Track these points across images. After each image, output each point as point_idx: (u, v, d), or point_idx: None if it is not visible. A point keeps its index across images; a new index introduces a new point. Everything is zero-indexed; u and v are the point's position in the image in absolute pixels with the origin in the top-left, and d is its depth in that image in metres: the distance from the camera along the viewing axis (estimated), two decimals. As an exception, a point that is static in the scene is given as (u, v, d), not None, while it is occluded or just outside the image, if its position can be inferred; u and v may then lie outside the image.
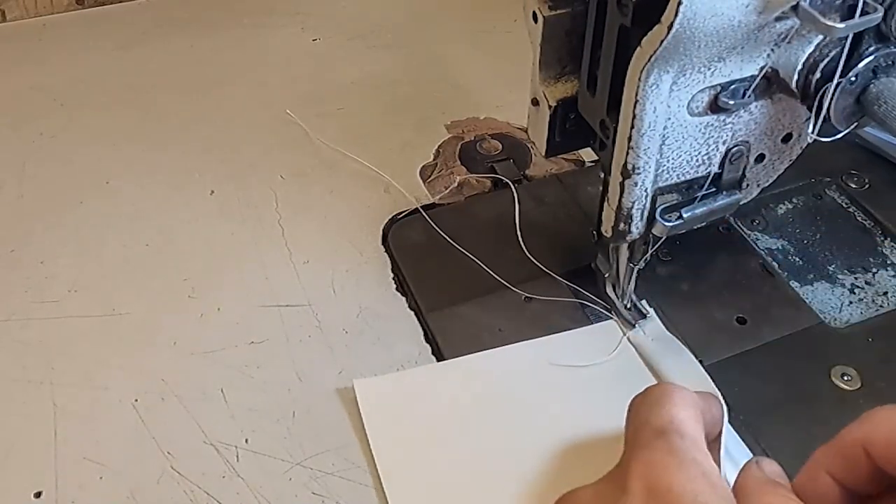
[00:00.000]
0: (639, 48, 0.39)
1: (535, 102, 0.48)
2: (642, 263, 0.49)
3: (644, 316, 0.51)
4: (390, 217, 0.60)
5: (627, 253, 0.49)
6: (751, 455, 0.44)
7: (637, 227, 0.45)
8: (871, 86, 0.40)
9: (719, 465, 0.41)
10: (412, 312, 0.54)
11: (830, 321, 0.53)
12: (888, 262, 0.57)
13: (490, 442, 0.47)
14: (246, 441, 0.47)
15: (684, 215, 0.45)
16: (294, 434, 0.47)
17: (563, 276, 0.55)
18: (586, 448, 0.46)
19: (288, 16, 0.82)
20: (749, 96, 0.42)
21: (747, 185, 0.47)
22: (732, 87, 0.41)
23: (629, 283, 0.50)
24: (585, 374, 0.50)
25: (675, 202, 0.45)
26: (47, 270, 0.57)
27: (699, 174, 0.45)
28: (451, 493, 0.45)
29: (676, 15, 0.36)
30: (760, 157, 0.46)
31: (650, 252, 0.48)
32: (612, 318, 0.53)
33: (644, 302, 0.52)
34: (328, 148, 0.66)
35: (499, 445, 0.47)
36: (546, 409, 0.48)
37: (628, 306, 0.51)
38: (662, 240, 0.47)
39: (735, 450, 0.44)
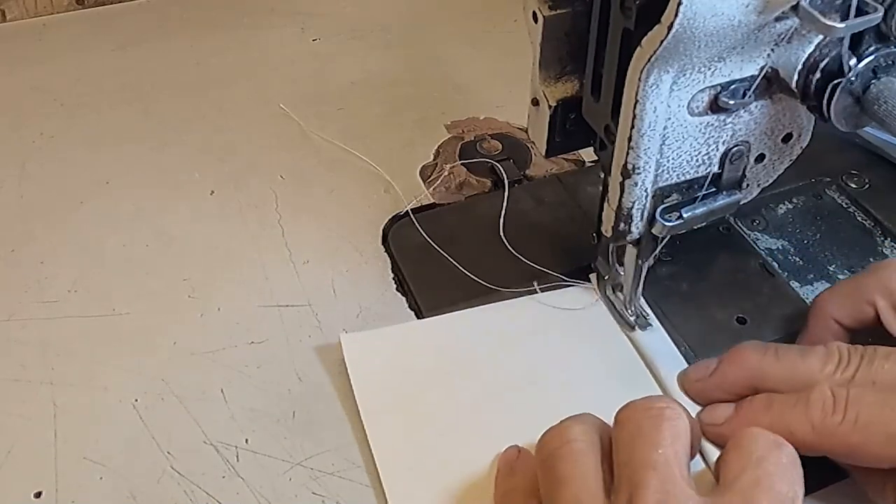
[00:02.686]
0: (639, 48, 0.39)
1: (535, 102, 0.48)
2: (652, 260, 0.48)
3: (648, 323, 0.51)
4: (390, 217, 0.60)
5: (635, 252, 0.48)
6: None
7: (637, 227, 0.45)
8: (871, 86, 0.40)
9: None
10: (412, 312, 0.54)
11: (830, 321, 0.53)
12: (888, 262, 0.57)
13: (475, 396, 0.48)
14: (246, 441, 0.47)
15: (684, 215, 0.45)
16: (294, 434, 0.47)
17: (563, 275, 0.55)
18: (568, 402, 0.47)
19: (288, 16, 0.82)
20: (749, 96, 0.42)
21: (747, 185, 0.47)
22: (732, 86, 0.41)
23: (638, 286, 0.50)
24: (566, 331, 0.51)
25: (675, 202, 0.45)
26: (47, 270, 0.57)
27: (699, 174, 0.45)
28: (436, 446, 0.46)
29: (676, 15, 0.36)
30: (760, 157, 0.46)
31: (659, 248, 0.48)
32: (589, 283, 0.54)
33: (644, 304, 0.52)
34: (328, 148, 0.66)
35: (483, 400, 0.48)
36: (529, 365, 0.50)
37: (633, 313, 0.51)
38: (666, 239, 0.46)
39: None
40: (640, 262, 0.48)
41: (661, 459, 0.38)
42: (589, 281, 0.54)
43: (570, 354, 0.50)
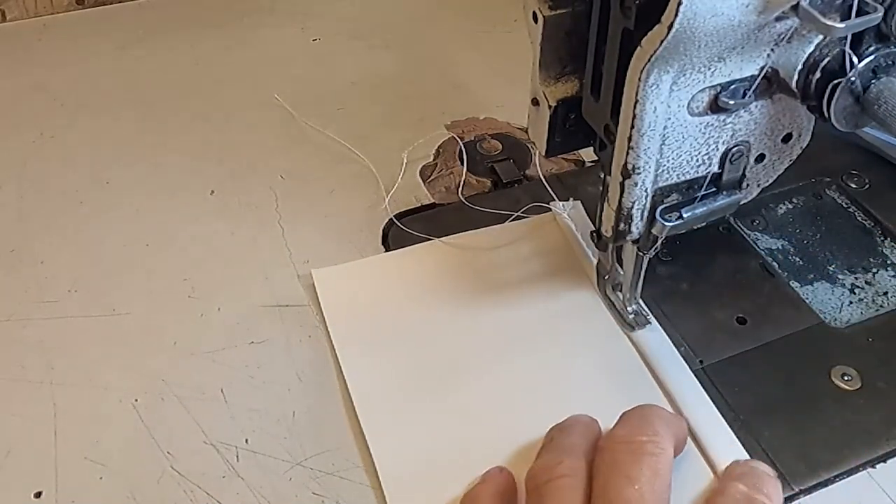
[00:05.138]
0: (639, 48, 0.39)
1: (535, 102, 0.48)
2: (652, 252, 0.48)
3: (647, 321, 0.51)
4: (390, 217, 0.60)
5: (633, 249, 0.48)
6: None
7: (637, 227, 0.45)
8: (871, 86, 0.40)
9: None
10: (412, 312, 0.54)
11: (830, 321, 0.53)
12: (888, 262, 0.57)
13: (446, 323, 0.51)
14: (246, 441, 0.47)
15: (684, 215, 0.45)
16: (294, 434, 0.47)
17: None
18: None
19: (288, 16, 0.82)
20: (749, 96, 0.42)
21: (747, 185, 0.47)
22: (732, 86, 0.41)
23: (637, 284, 0.50)
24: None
25: (675, 202, 0.45)
26: (47, 270, 0.57)
27: (699, 174, 0.45)
28: (408, 376, 0.49)
29: (676, 15, 0.36)
30: (760, 157, 0.46)
31: (659, 241, 0.47)
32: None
33: (643, 304, 0.52)
34: (328, 148, 0.66)
35: (454, 326, 0.51)
36: (499, 296, 0.53)
37: (633, 310, 0.51)
38: (662, 238, 0.46)
39: None
40: (640, 255, 0.48)
41: (636, 495, 0.38)
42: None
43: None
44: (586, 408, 0.45)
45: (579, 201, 0.58)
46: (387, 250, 0.58)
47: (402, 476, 0.45)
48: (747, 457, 0.45)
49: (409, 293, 0.53)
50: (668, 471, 0.40)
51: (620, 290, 0.51)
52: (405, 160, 0.64)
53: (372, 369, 0.49)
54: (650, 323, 0.51)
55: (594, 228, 0.49)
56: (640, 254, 0.48)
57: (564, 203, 0.58)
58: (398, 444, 0.46)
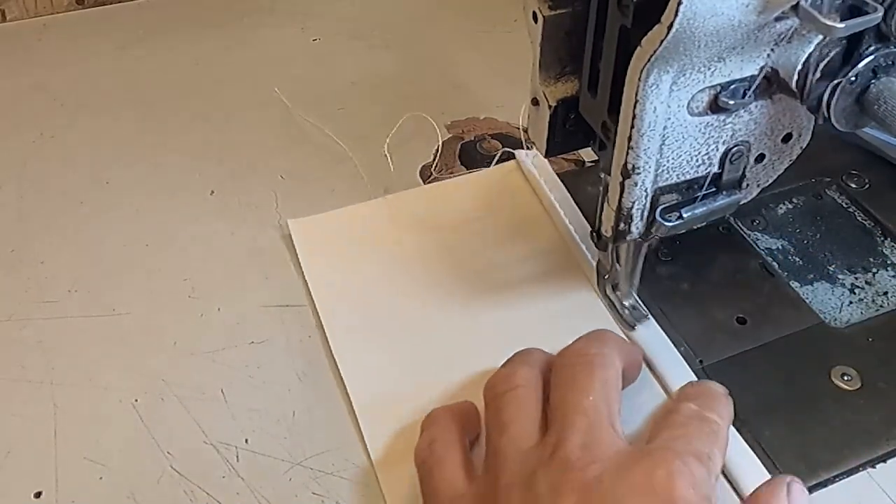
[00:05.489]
0: (639, 48, 0.39)
1: (535, 102, 0.48)
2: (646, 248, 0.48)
3: (645, 317, 0.51)
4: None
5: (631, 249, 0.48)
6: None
7: (637, 227, 0.45)
8: (871, 86, 0.40)
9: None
10: (412, 312, 0.54)
11: (830, 321, 0.53)
12: (888, 262, 0.57)
13: (423, 272, 0.53)
14: (246, 441, 0.47)
15: (684, 215, 0.45)
16: (294, 434, 0.47)
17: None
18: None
19: (288, 16, 0.82)
20: (749, 96, 0.42)
21: (747, 185, 0.47)
22: (732, 86, 0.41)
23: (635, 273, 0.50)
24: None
25: (675, 202, 0.45)
26: (47, 270, 0.57)
27: (699, 174, 0.45)
28: (386, 323, 0.50)
29: (676, 15, 0.36)
30: (760, 157, 0.46)
31: (654, 236, 0.47)
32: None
33: (639, 301, 0.52)
34: (328, 148, 0.66)
35: (431, 276, 0.52)
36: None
37: (629, 305, 0.51)
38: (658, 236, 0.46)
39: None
40: (634, 253, 0.48)
41: (591, 405, 0.41)
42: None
43: (520, 235, 0.54)
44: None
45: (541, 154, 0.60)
46: (387, 250, 0.58)
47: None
48: (752, 454, 0.45)
49: (390, 244, 0.55)
50: (617, 381, 0.43)
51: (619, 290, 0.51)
52: (405, 160, 0.64)
53: (348, 314, 0.51)
54: (647, 318, 0.51)
55: (590, 222, 0.49)
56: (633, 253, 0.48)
57: (528, 152, 0.61)
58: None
